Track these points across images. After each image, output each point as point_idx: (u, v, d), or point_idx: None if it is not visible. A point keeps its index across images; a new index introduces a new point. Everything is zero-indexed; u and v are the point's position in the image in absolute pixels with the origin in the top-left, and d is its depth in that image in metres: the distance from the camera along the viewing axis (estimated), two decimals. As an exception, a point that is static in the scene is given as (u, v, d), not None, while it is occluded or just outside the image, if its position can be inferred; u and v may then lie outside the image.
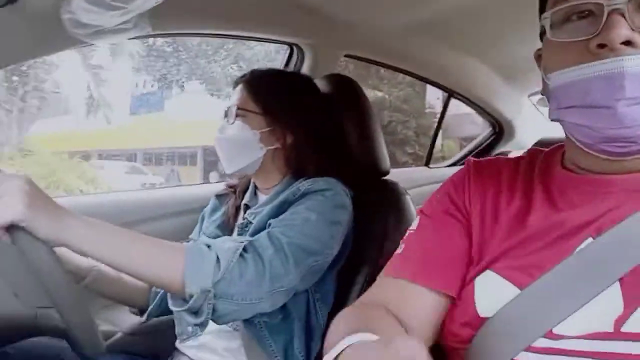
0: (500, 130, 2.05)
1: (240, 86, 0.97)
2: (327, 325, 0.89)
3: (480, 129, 2.22)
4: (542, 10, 0.54)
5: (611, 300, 0.45)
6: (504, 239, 0.53)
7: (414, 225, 0.62)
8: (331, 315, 0.91)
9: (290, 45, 1.33)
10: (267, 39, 1.31)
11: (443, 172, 1.99)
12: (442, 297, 0.55)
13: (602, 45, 0.45)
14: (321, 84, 1.05)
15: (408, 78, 1.82)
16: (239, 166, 0.94)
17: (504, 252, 0.52)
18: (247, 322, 0.84)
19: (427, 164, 2.10)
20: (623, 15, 0.45)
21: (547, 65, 0.52)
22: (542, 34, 0.53)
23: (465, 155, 2.17)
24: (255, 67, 1.02)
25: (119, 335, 1.05)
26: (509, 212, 0.54)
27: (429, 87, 2.07)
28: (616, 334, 0.44)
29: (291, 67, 1.35)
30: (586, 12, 0.48)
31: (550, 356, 0.46)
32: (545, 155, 0.59)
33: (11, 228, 0.59)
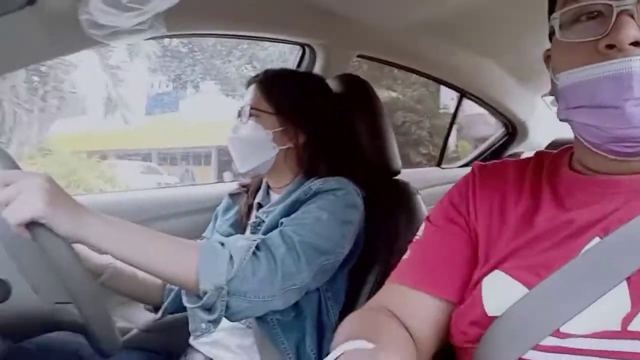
0: (513, 130, 2.03)
1: (253, 86, 0.98)
2: (338, 323, 0.90)
3: (494, 130, 2.21)
4: (551, 10, 0.54)
5: (618, 299, 0.45)
6: (511, 239, 0.53)
7: (420, 232, 0.63)
8: (342, 313, 0.91)
9: (303, 45, 1.34)
10: (280, 40, 1.33)
11: (455, 172, 1.98)
12: (445, 303, 0.57)
13: (610, 46, 0.46)
14: (333, 84, 1.06)
15: (422, 78, 1.81)
16: (252, 165, 0.95)
17: (512, 252, 0.52)
18: (260, 319, 0.85)
19: (439, 164, 2.09)
20: (632, 16, 0.45)
21: (556, 65, 0.52)
22: (551, 35, 0.54)
23: (478, 156, 2.16)
24: (269, 67, 1.03)
25: (134, 331, 1.07)
26: (517, 213, 0.55)
27: (443, 87, 2.06)
28: (623, 333, 0.44)
29: (303, 68, 1.36)
30: (595, 13, 0.48)
31: (557, 355, 0.46)
32: (553, 157, 0.60)
33: (31, 225, 0.61)
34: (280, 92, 0.96)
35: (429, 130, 6.60)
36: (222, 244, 0.76)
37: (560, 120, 0.53)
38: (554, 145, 0.70)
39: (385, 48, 1.44)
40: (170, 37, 1.17)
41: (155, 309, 1.00)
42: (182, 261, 0.73)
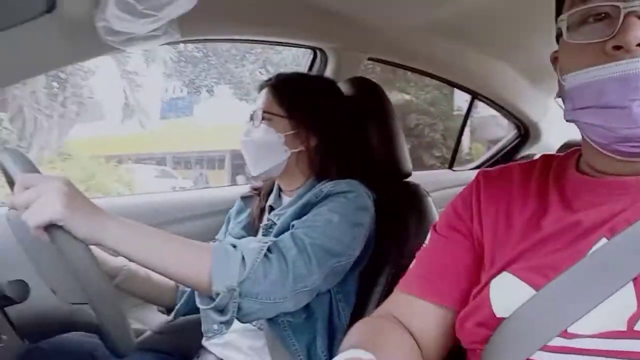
0: (525, 132, 2.02)
1: (265, 90, 0.99)
2: (349, 325, 0.90)
3: (506, 132, 2.19)
4: (558, 12, 0.54)
5: (624, 299, 0.45)
6: (519, 242, 0.53)
7: (426, 241, 0.65)
8: (353, 315, 0.91)
9: (314, 49, 1.35)
10: (291, 44, 1.33)
11: (467, 174, 1.97)
12: (449, 311, 0.59)
13: (618, 47, 0.46)
14: (344, 87, 1.07)
15: (435, 81, 1.81)
16: (264, 168, 0.96)
17: (519, 254, 0.52)
18: (271, 321, 0.86)
19: (450, 166, 2.08)
20: (639, 17, 0.46)
21: (564, 66, 0.52)
22: (559, 36, 0.54)
23: (490, 158, 2.14)
24: (282, 71, 1.04)
25: (147, 333, 1.09)
26: (524, 216, 0.55)
27: (456, 89, 2.05)
28: (629, 333, 0.44)
29: (314, 71, 1.37)
30: (602, 15, 0.48)
31: (564, 355, 0.46)
32: (560, 159, 0.60)
33: (50, 227, 0.62)
34: (292, 96, 0.97)
35: (443, 132, 6.55)
36: (235, 246, 0.77)
37: (567, 121, 0.53)
38: (566, 146, 0.69)
39: (396, 51, 1.44)
40: (183, 42, 1.19)
41: (168, 311, 1.01)
42: (195, 263, 0.74)
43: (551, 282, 0.48)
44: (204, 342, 0.96)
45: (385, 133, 1.05)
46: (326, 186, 0.90)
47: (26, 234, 0.67)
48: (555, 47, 0.57)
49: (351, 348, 0.46)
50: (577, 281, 0.47)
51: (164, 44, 0.89)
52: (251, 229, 1.02)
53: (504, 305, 0.51)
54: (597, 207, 0.50)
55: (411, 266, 0.64)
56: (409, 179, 1.09)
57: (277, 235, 0.85)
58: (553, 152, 0.70)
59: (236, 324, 0.78)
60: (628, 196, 0.49)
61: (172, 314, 0.98)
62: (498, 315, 0.51)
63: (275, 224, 0.93)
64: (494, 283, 0.53)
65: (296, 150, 0.95)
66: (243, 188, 1.23)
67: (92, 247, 0.68)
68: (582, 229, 0.50)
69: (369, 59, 1.42)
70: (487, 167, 2.06)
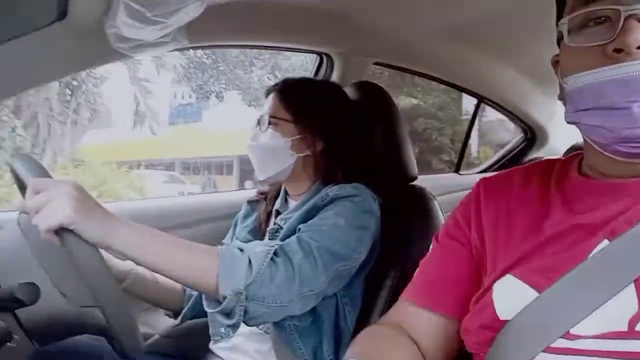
0: (532, 136, 2.01)
1: (272, 95, 1.00)
2: (355, 329, 0.90)
3: (512, 135, 2.18)
4: (559, 16, 0.55)
5: (625, 299, 0.46)
6: (521, 244, 0.54)
7: (430, 250, 0.66)
8: (359, 319, 0.91)
9: (320, 54, 1.35)
10: (298, 49, 1.34)
11: (473, 178, 1.96)
12: (449, 319, 0.60)
13: (618, 50, 0.46)
14: (350, 92, 1.07)
15: (443, 85, 1.81)
16: (271, 173, 0.97)
17: (522, 257, 0.53)
18: (278, 325, 0.86)
19: (457, 170, 2.07)
20: (639, 21, 0.46)
21: (565, 69, 0.53)
22: (560, 40, 0.54)
23: (497, 162, 2.13)
24: (289, 76, 1.06)
25: (155, 337, 1.09)
26: (525, 219, 0.56)
27: (465, 93, 2.05)
28: (630, 333, 0.44)
29: (320, 76, 1.37)
30: (603, 18, 0.49)
31: (567, 356, 0.46)
32: (562, 163, 0.60)
33: (60, 230, 0.63)
34: (299, 101, 0.98)
35: (451, 137, 6.53)
36: (241, 250, 0.77)
37: (568, 122, 0.54)
38: (573, 149, 0.69)
39: (401, 55, 1.44)
40: (190, 48, 1.20)
41: (175, 315, 1.01)
42: (202, 267, 0.74)
43: (554, 284, 0.49)
44: (211, 346, 0.97)
45: (390, 137, 1.05)
46: (332, 190, 0.90)
47: (37, 238, 0.68)
48: (561, 49, 0.57)
49: (355, 357, 0.47)
50: (580, 283, 0.48)
51: (173, 51, 0.90)
52: (258, 233, 1.03)
53: (507, 307, 0.51)
54: (599, 209, 0.51)
55: (415, 274, 0.66)
56: (414, 183, 1.09)
57: (284, 239, 0.85)
58: (560, 155, 0.70)
59: (243, 328, 0.78)
60: (629, 198, 0.50)
61: (179, 317, 0.99)
62: (501, 318, 0.51)
63: (281, 228, 0.94)
64: (497, 286, 0.53)
65: (302, 154, 0.96)
66: (250, 192, 1.24)
67: (100, 250, 0.69)
68: (583, 231, 0.50)
69: (375, 63, 1.43)
70: (493, 170, 2.06)
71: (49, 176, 0.68)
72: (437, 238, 0.65)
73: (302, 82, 1.06)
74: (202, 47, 1.52)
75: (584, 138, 0.54)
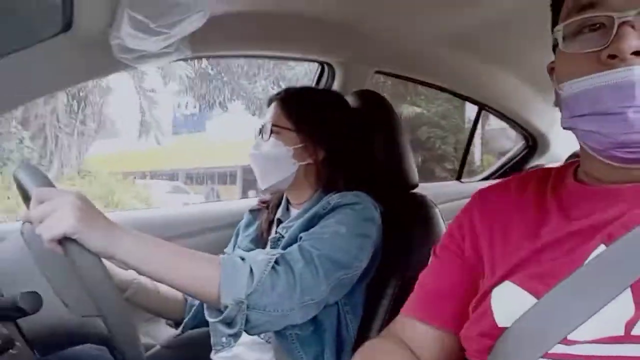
0: (534, 143, 2.01)
1: (274, 104, 1.00)
2: (357, 337, 0.89)
3: (514, 143, 2.18)
4: (554, 23, 0.56)
5: (622, 304, 0.46)
6: (518, 251, 0.54)
7: (429, 263, 0.66)
8: (361, 327, 0.91)
9: (321, 63, 1.36)
10: (299, 58, 1.35)
11: (474, 186, 1.95)
12: (445, 333, 0.60)
13: (613, 56, 0.47)
14: (351, 100, 1.08)
15: (446, 94, 1.82)
16: (273, 181, 0.97)
17: (519, 264, 0.53)
18: (279, 334, 0.86)
19: (458, 177, 2.07)
20: (633, 27, 0.47)
21: (560, 75, 0.53)
22: (555, 46, 0.55)
23: (499, 169, 2.12)
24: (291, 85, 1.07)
25: (156, 348, 1.09)
26: (522, 225, 0.56)
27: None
28: (627, 337, 0.44)
29: (322, 85, 1.38)
30: (597, 25, 0.49)
31: None
32: (558, 170, 0.61)
33: (64, 240, 0.63)
34: (300, 109, 0.98)
35: (455, 145, 6.54)
36: (243, 259, 0.77)
37: (564, 128, 0.54)
38: (574, 156, 0.69)
39: (402, 63, 1.45)
40: (193, 58, 1.21)
41: (177, 325, 1.01)
42: (205, 276, 0.74)
43: (551, 290, 0.49)
44: (212, 356, 0.96)
45: (391, 145, 1.05)
46: (333, 198, 0.90)
47: (39, 247, 0.68)
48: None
49: None
50: (577, 288, 0.48)
51: (177, 61, 0.92)
52: (259, 242, 1.03)
53: (506, 314, 0.51)
54: (595, 215, 0.51)
55: (415, 288, 0.66)
56: (416, 191, 1.09)
57: (285, 247, 0.86)
58: (561, 162, 0.70)
59: (244, 337, 0.78)
60: (625, 203, 0.50)
61: (180, 327, 0.98)
62: (500, 325, 0.51)
63: (283, 236, 0.94)
64: (495, 292, 0.53)
65: (304, 163, 0.96)
66: (251, 201, 1.24)
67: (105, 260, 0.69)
68: (580, 237, 0.50)
69: (376, 72, 1.44)
70: (495, 178, 2.05)
71: (53, 186, 0.68)
72: (434, 251, 0.66)
73: (304, 91, 1.07)
74: (204, 57, 1.54)
75: (580, 144, 0.54)
